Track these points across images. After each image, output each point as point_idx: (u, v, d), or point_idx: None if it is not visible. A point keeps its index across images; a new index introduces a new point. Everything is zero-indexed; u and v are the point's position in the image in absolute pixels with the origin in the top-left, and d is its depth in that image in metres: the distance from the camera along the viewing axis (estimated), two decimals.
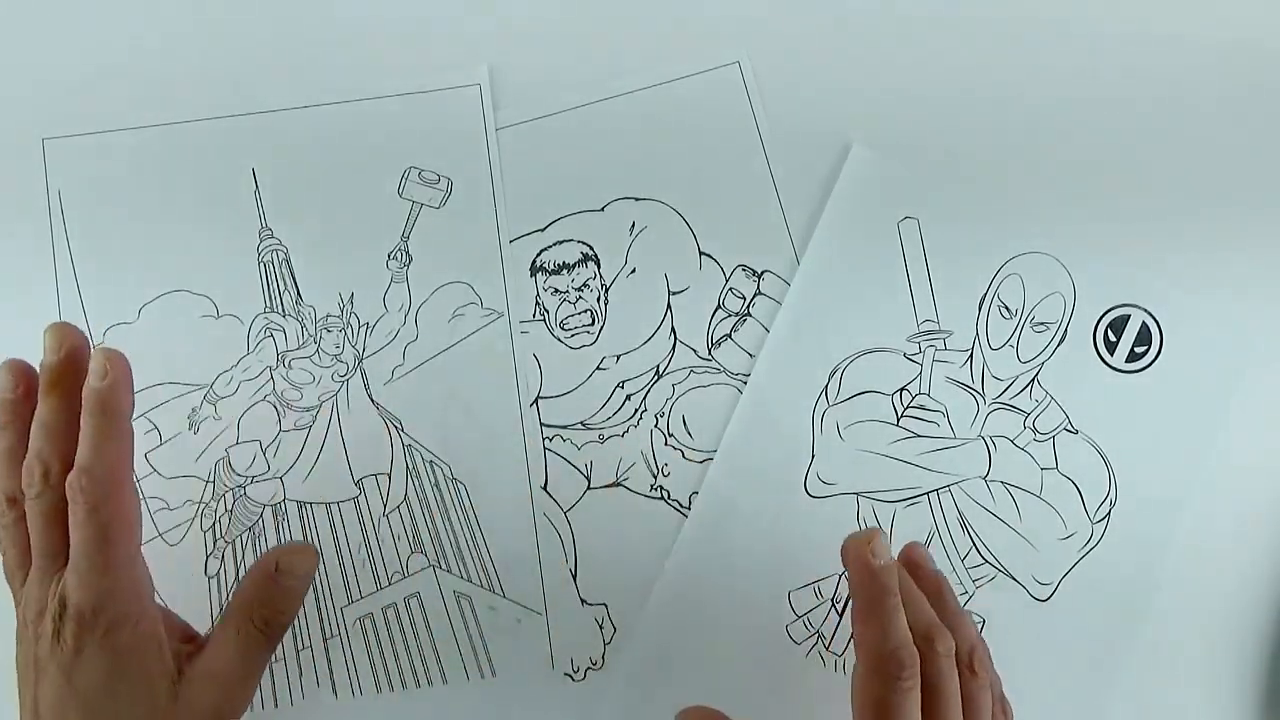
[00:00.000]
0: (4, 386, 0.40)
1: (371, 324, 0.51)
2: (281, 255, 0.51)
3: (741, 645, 0.49)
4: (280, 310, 0.51)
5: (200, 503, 0.49)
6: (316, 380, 0.50)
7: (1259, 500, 0.51)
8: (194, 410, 0.50)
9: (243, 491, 0.50)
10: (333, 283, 0.51)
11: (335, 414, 0.50)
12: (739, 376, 0.51)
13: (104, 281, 0.50)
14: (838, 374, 0.51)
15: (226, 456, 0.50)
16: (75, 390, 0.38)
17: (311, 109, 0.52)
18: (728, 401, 0.51)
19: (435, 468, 0.50)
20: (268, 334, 0.50)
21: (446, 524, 0.50)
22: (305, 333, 0.51)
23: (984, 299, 0.52)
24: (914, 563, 0.46)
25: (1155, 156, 0.53)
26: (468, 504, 0.50)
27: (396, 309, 0.51)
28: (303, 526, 0.50)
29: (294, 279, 0.51)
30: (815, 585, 0.50)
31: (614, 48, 0.53)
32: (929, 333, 0.52)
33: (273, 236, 0.51)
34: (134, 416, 0.49)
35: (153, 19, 0.52)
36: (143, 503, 0.49)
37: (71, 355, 0.39)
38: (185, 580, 0.49)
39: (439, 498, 0.50)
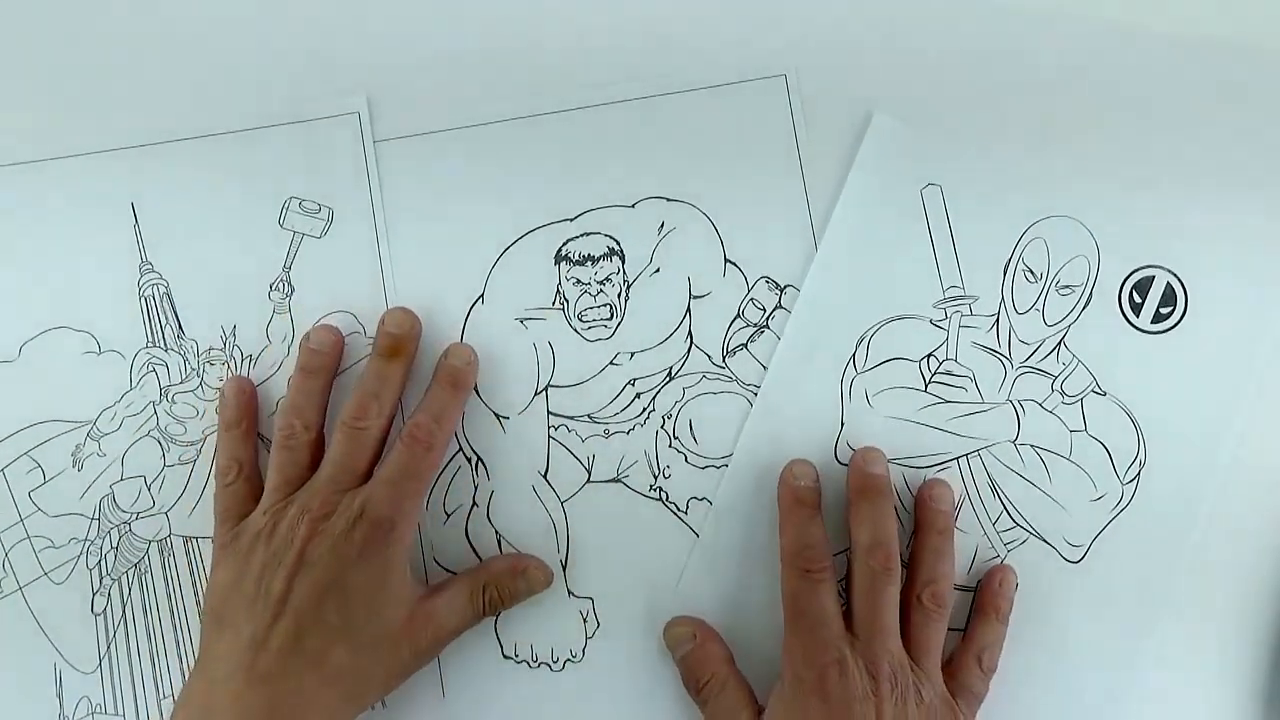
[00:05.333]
0: (326, 343, 0.48)
1: (255, 356, 0.51)
2: (162, 289, 0.51)
3: (772, 611, 0.49)
4: (163, 345, 0.50)
5: (86, 540, 0.49)
6: (200, 414, 0.50)
7: None
8: (78, 447, 0.50)
9: (128, 528, 0.50)
10: (215, 315, 0.51)
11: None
12: (750, 387, 0.51)
13: None
14: (865, 341, 0.51)
15: (111, 493, 0.50)
16: (410, 360, 0.49)
17: (190, 141, 0.51)
18: (737, 411, 0.51)
19: None
20: (150, 369, 0.50)
21: None
22: (188, 367, 0.50)
23: (1009, 263, 0.52)
24: (925, 498, 0.49)
25: (1176, 117, 0.52)
26: None
27: (280, 340, 0.50)
28: (189, 562, 0.50)
29: (175, 313, 0.50)
30: (847, 553, 0.50)
31: (667, 44, 0.52)
32: (955, 298, 0.51)
33: (153, 270, 0.51)
34: (16, 456, 0.50)
35: (28, 54, 0.52)
36: (27, 542, 0.50)
37: (413, 334, 0.49)
38: (72, 618, 0.49)
39: None
